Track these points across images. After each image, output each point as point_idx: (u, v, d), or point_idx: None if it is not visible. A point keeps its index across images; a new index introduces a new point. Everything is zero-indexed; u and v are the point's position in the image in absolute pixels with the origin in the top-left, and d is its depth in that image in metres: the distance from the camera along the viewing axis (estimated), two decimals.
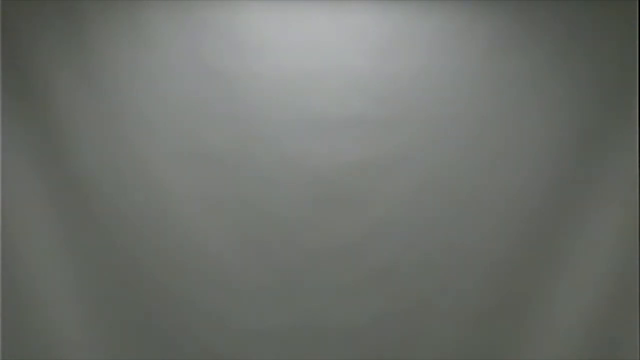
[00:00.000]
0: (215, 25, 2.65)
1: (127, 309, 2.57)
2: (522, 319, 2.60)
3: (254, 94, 2.64)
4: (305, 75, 2.65)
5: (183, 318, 2.57)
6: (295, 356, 2.59)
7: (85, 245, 2.57)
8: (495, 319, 2.60)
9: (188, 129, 2.62)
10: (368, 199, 2.63)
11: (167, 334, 2.57)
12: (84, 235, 2.57)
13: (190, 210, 2.60)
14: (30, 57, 2.60)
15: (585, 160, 2.62)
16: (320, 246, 2.62)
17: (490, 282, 2.60)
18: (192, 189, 2.61)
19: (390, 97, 2.65)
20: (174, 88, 2.62)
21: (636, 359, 2.55)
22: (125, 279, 2.57)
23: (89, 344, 2.55)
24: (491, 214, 2.62)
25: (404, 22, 2.67)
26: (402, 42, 2.67)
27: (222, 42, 2.65)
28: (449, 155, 2.64)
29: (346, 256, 2.62)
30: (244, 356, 2.58)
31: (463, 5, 2.68)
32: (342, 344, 2.59)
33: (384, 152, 2.64)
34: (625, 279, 2.57)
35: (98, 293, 2.57)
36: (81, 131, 2.59)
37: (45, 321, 2.53)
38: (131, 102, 2.61)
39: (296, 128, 2.64)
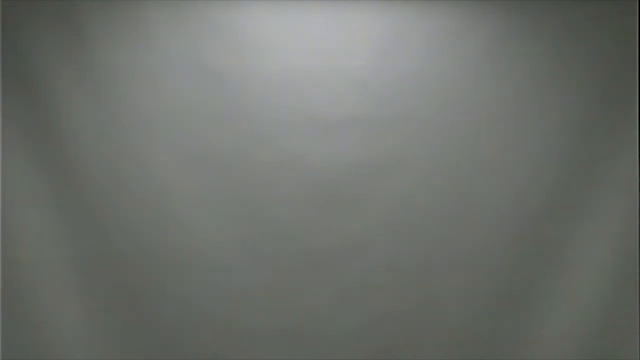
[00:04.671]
0: (215, 25, 2.65)
1: (127, 309, 2.57)
2: (522, 319, 2.60)
3: (254, 94, 2.64)
4: (305, 75, 2.65)
5: (183, 318, 2.57)
6: (295, 356, 2.59)
7: (85, 246, 2.57)
8: (496, 318, 2.60)
9: (188, 129, 2.62)
10: (368, 199, 2.63)
11: (167, 334, 2.57)
12: (84, 236, 2.57)
13: (190, 209, 2.60)
14: (30, 57, 2.60)
15: (585, 159, 2.63)
16: (320, 246, 2.62)
17: (490, 281, 2.60)
18: (192, 188, 2.61)
19: (390, 97, 2.65)
20: (174, 88, 2.63)
21: (636, 359, 2.55)
22: (125, 278, 2.57)
23: (89, 344, 2.56)
24: (491, 214, 2.62)
25: (403, 22, 2.67)
26: (401, 42, 2.67)
27: (222, 42, 2.65)
28: (448, 155, 2.64)
29: (346, 256, 2.62)
30: (245, 356, 2.58)
31: (463, 5, 2.68)
32: (342, 344, 2.59)
33: (383, 152, 2.64)
34: (625, 278, 2.57)
35: (98, 293, 2.57)
36: (81, 131, 2.59)
37: (45, 321, 2.53)
38: (131, 102, 2.61)
39: (296, 128, 2.64)
